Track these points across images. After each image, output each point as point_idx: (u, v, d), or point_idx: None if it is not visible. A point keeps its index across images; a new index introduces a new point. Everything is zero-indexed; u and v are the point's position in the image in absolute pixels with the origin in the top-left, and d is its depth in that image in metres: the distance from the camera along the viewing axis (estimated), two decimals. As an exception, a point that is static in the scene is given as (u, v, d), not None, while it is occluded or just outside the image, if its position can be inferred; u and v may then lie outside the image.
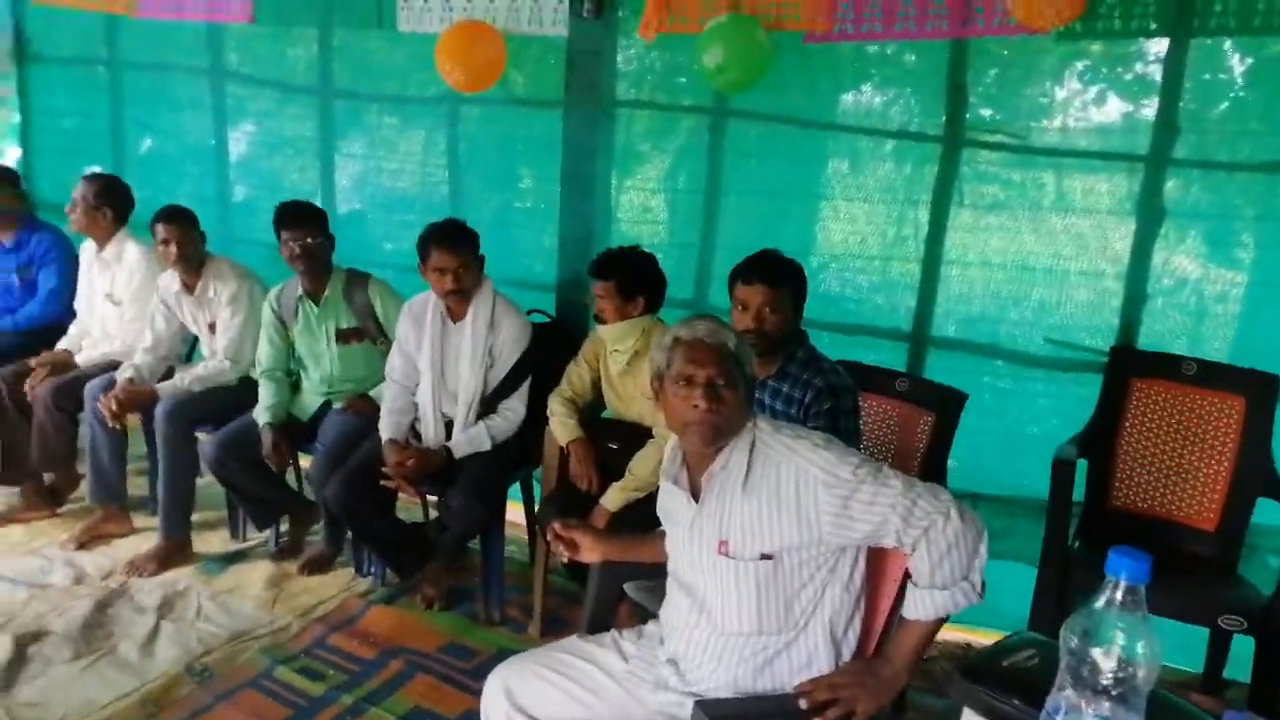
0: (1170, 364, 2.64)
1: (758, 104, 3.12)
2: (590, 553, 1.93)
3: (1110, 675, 0.86)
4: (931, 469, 2.51)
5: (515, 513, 3.20)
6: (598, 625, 1.96)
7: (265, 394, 3.13)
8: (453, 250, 2.78)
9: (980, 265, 2.95)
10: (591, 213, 3.38)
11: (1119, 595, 0.88)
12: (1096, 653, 0.87)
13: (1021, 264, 2.89)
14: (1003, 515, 2.85)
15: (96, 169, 3.94)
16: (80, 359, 3.51)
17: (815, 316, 2.94)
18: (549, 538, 1.93)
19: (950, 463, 2.55)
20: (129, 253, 3.49)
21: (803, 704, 1.57)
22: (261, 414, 3.09)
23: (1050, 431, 2.76)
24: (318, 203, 3.28)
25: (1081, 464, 2.62)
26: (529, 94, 3.57)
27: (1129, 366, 2.68)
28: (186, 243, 3.19)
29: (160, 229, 3.17)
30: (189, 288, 3.32)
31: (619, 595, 2.07)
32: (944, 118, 2.89)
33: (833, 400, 2.25)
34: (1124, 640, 0.86)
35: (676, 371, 1.63)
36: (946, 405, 2.55)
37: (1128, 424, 2.66)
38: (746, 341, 1.71)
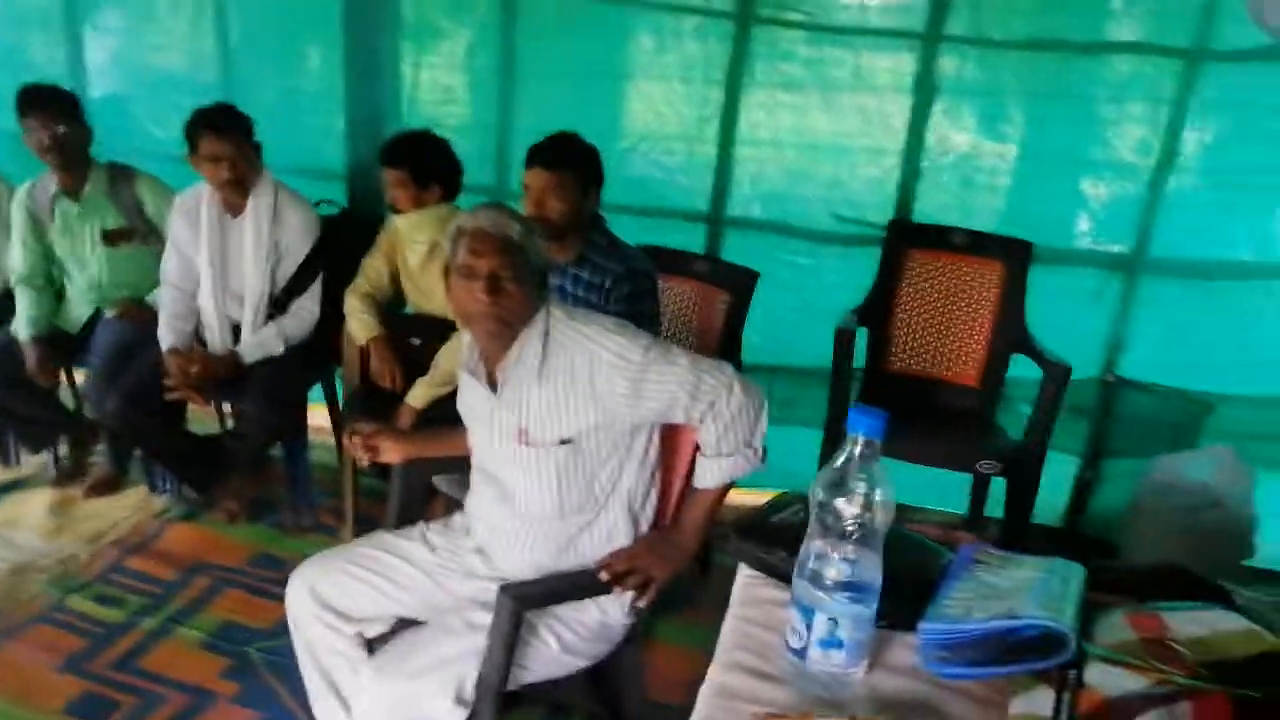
0: (941, 235, 2.83)
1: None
2: (392, 453, 1.91)
3: (851, 521, 0.95)
4: (728, 345, 2.62)
5: (321, 415, 3.10)
6: (405, 521, 1.95)
7: (23, 304, 2.84)
8: (224, 136, 2.56)
9: (773, 145, 3.02)
10: (381, 94, 3.20)
11: (859, 449, 0.95)
12: (840, 503, 0.95)
13: (812, 142, 2.99)
14: (797, 385, 3.02)
15: None
16: None
17: (619, 200, 2.94)
18: (345, 443, 1.89)
19: (750, 338, 2.67)
20: None
21: (603, 576, 1.64)
22: (22, 327, 2.81)
23: (840, 303, 2.92)
24: (68, 86, 2.91)
25: (865, 333, 2.82)
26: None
27: (905, 238, 2.86)
28: None
29: None
30: (-84, 190, 2.91)
31: (425, 490, 2.06)
32: (739, -5, 2.89)
33: (632, 284, 2.27)
34: (863, 489, 0.95)
35: (460, 263, 1.59)
36: (740, 284, 2.64)
37: (903, 293, 2.86)
38: (535, 229, 1.69)
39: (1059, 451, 2.86)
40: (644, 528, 1.75)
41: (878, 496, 0.95)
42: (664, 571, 1.66)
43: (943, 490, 2.94)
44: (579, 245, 2.33)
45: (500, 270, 1.57)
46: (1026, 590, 1.06)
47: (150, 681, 2.18)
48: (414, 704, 1.55)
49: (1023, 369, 2.76)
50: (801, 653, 0.98)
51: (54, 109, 2.71)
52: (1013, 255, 2.75)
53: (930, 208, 2.94)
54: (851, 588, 0.95)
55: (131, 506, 2.94)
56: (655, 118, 3.12)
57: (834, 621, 0.95)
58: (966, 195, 2.94)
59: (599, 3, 3.04)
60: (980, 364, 2.83)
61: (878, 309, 2.86)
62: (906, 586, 1.11)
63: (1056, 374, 2.48)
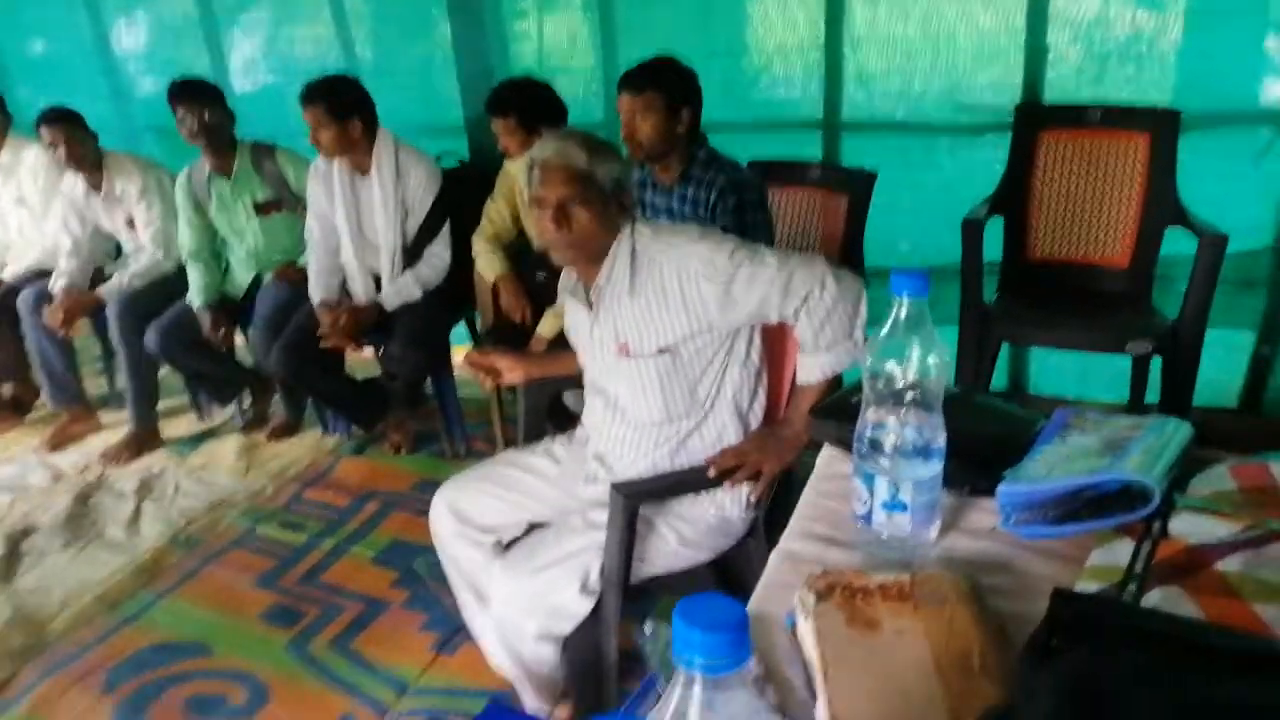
0: (1075, 113, 2.64)
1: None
2: (511, 374, 2.01)
3: (904, 383, 0.93)
4: (850, 249, 2.56)
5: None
6: (532, 436, 2.06)
7: (194, 276, 3.14)
8: (310, 107, 2.71)
9: (883, 41, 2.90)
10: (486, 45, 3.28)
11: (904, 312, 0.93)
12: (890, 366, 0.94)
13: (923, 33, 2.84)
14: (932, 285, 2.91)
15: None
16: (7, 274, 3.48)
17: (737, 117, 2.92)
18: (466, 367, 2.00)
19: (879, 240, 2.59)
20: (27, 154, 3.41)
21: (711, 473, 1.68)
22: (195, 296, 3.12)
23: (970, 197, 2.79)
24: (215, 79, 3.17)
25: (999, 223, 2.68)
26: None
27: (1035, 121, 2.68)
28: (74, 143, 3.11)
29: (45, 132, 3.08)
30: (95, 187, 3.26)
31: (549, 407, 2.16)
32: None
33: (737, 196, 2.26)
34: (914, 351, 0.93)
35: (532, 194, 1.64)
36: (857, 186, 2.57)
37: (1038, 178, 2.69)
38: (608, 151, 1.67)
39: (1231, 328, 2.66)
40: (754, 427, 1.78)
41: (930, 359, 0.93)
42: (773, 464, 1.69)
43: (1107, 380, 2.81)
44: (681, 165, 2.34)
45: (568, 200, 1.60)
46: (1118, 447, 1.01)
47: (330, 593, 2.44)
48: (544, 595, 1.66)
49: (1179, 245, 2.56)
50: (867, 518, 0.98)
51: (200, 98, 2.96)
52: (1160, 125, 2.53)
53: (1063, 87, 2.73)
54: (910, 451, 0.95)
55: (308, 446, 3.25)
56: (759, 30, 3.05)
57: (895, 485, 0.95)
58: (1096, 69, 2.72)
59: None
60: (1130, 244, 2.64)
61: (1012, 197, 2.71)
62: (993, 454, 1.08)
63: (1210, 243, 2.27)
